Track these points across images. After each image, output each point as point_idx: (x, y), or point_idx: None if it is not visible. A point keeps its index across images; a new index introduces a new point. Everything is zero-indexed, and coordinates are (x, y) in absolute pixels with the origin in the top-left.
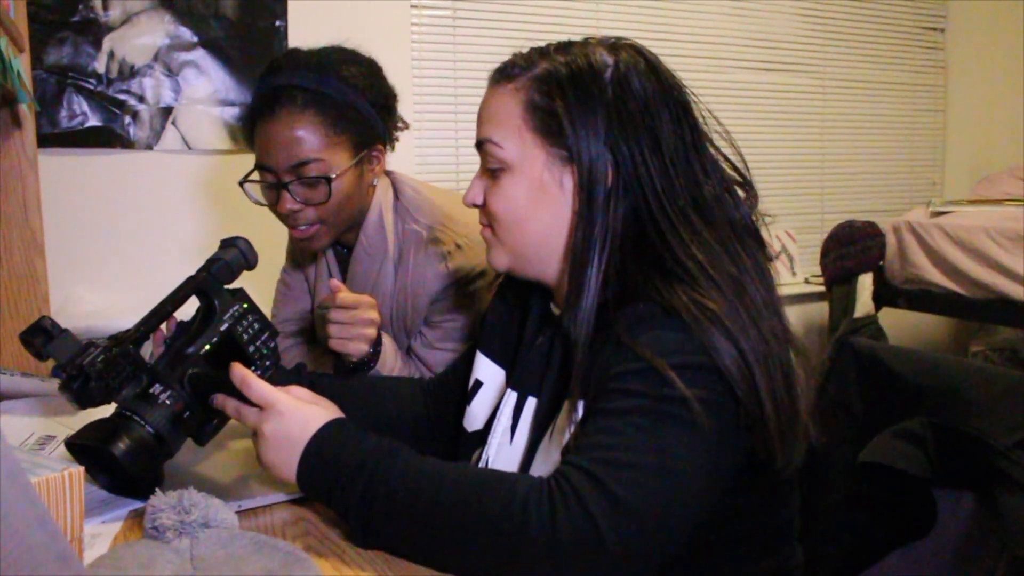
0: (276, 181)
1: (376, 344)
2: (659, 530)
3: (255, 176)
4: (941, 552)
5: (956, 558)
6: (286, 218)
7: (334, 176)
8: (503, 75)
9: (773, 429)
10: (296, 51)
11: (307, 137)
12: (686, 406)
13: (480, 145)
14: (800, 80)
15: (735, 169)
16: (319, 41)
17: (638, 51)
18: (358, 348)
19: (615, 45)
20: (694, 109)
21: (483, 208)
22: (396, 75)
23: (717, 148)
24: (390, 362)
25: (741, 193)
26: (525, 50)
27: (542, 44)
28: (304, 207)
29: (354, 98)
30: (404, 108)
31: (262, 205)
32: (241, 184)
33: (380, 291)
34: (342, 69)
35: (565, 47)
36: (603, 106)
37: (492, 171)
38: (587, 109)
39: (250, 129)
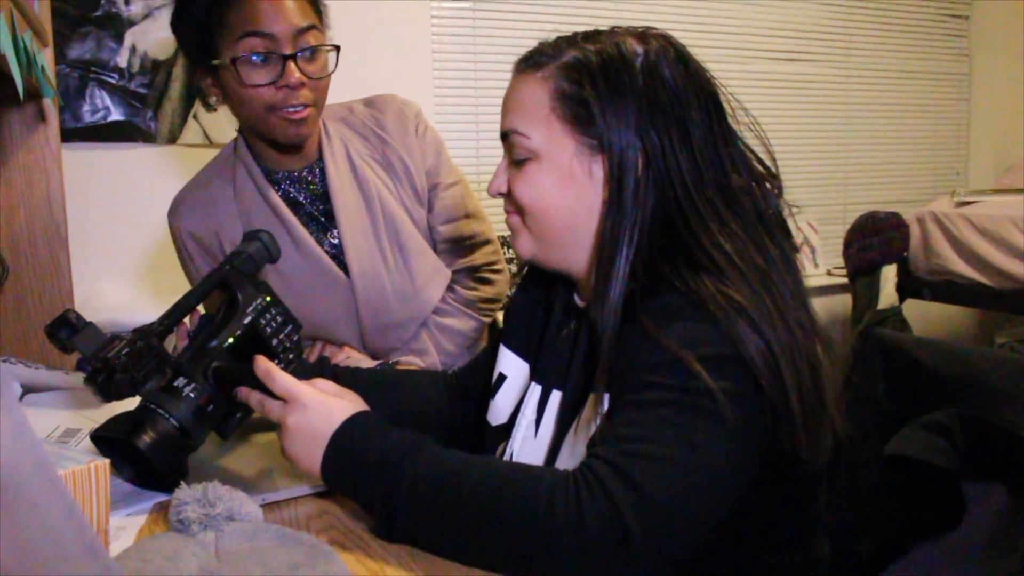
0: (275, 52)
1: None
2: (686, 523)
3: (242, 52)
4: (970, 545)
5: (986, 551)
6: (284, 98)
7: (336, 46)
8: (529, 63)
9: (799, 421)
10: None
11: (306, 6)
12: (712, 398)
13: (505, 136)
14: (823, 70)
15: (760, 161)
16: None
17: (668, 40)
18: None
19: (644, 34)
20: (722, 99)
21: (508, 197)
22: (416, 69)
23: (743, 140)
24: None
25: (767, 185)
26: (551, 38)
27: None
28: (306, 83)
29: None
30: (424, 101)
31: (254, 87)
32: (233, 62)
33: (383, 200)
34: None
35: (593, 36)
36: (634, 95)
37: (518, 161)
38: (618, 97)
39: (221, 3)
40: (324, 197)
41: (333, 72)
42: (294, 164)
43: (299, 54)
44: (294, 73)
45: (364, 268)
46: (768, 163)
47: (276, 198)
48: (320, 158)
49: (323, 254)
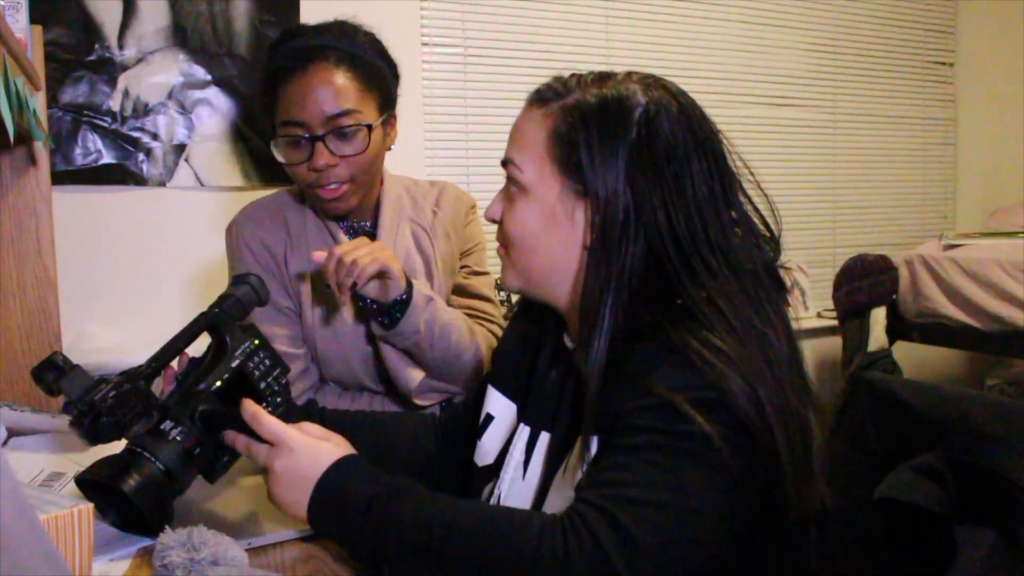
0: (308, 135)
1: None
2: (674, 568)
3: (280, 135)
4: None
5: None
6: (317, 177)
7: (373, 125)
8: (539, 98)
9: (789, 480)
10: (306, 25)
11: (343, 88)
12: (702, 442)
13: (505, 163)
14: (811, 115)
15: (764, 222)
16: None
17: (673, 94)
18: (370, 269)
19: (652, 84)
20: (728, 158)
21: (500, 227)
22: (407, 114)
23: (749, 198)
24: (426, 292)
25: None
26: (567, 74)
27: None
28: (339, 162)
29: (377, 60)
30: (415, 146)
31: (291, 165)
32: (268, 143)
33: (424, 257)
34: (362, 36)
35: (602, 79)
36: (625, 144)
37: (511, 193)
38: (608, 145)
39: (271, 92)
40: None
41: (366, 151)
42: (351, 217)
43: (328, 135)
44: (322, 155)
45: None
46: (771, 221)
47: (343, 236)
48: (376, 217)
49: None
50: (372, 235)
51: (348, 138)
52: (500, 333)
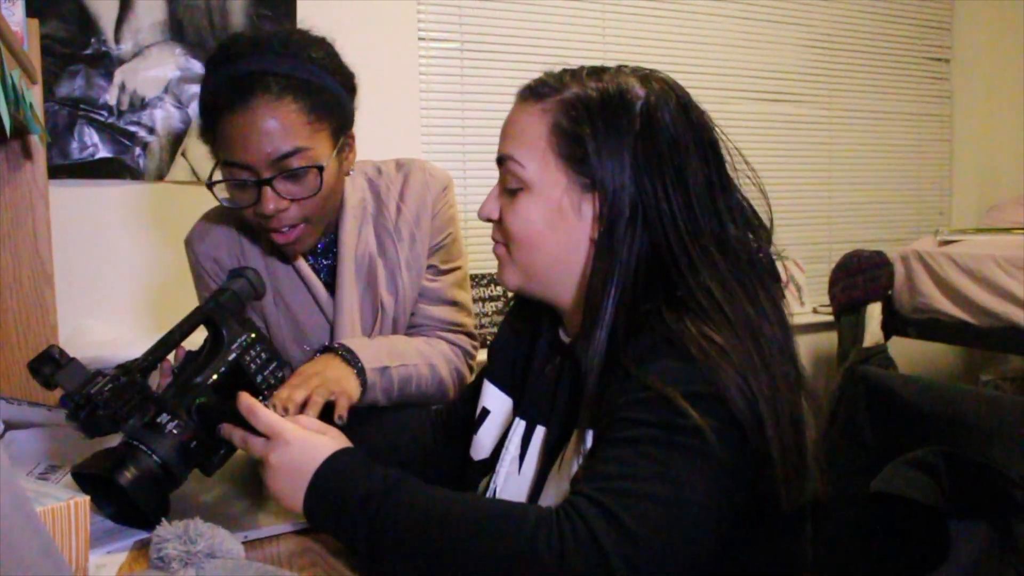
0: (254, 179)
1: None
2: (670, 561)
3: (220, 176)
4: None
5: None
6: (267, 220)
7: (324, 164)
8: (532, 93)
9: (779, 474)
10: (246, 35)
11: (289, 126)
12: (697, 435)
13: (501, 161)
14: (807, 110)
15: (754, 211)
16: None
17: (670, 86)
18: (341, 403)
19: (648, 77)
20: (722, 148)
21: (498, 225)
22: (404, 109)
23: (740, 190)
24: (384, 354)
25: (760, 234)
26: (556, 70)
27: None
28: (289, 206)
29: (328, 81)
30: (412, 141)
31: (237, 208)
32: (209, 187)
33: (387, 262)
34: (311, 51)
35: (597, 73)
36: (631, 137)
37: (510, 190)
38: (614, 139)
39: (211, 125)
40: (331, 270)
41: (319, 191)
42: None
43: (275, 178)
44: (270, 200)
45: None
46: (764, 213)
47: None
48: (336, 231)
49: (316, 309)
50: (333, 243)
51: (299, 179)
52: (470, 341)
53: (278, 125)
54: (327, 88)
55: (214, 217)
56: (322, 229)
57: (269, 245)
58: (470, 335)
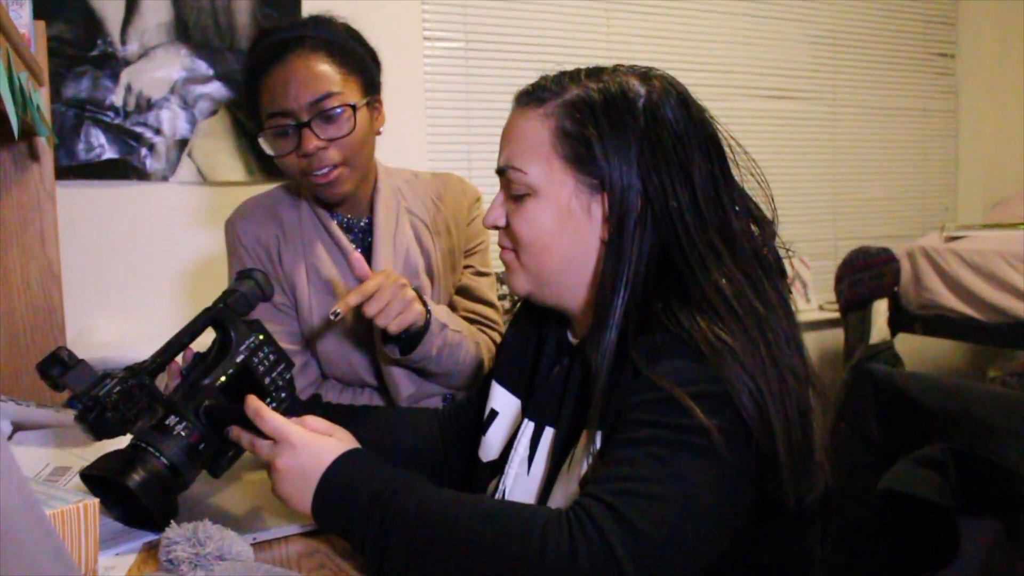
0: (294, 122)
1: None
2: (679, 561)
3: (268, 128)
4: None
5: None
6: (308, 163)
7: (357, 105)
8: (531, 98)
9: (786, 470)
10: (280, 21)
11: (322, 74)
12: (705, 435)
13: (502, 172)
14: (812, 107)
15: (757, 205)
16: None
17: (669, 83)
18: (406, 319)
19: (647, 75)
20: (722, 142)
21: (505, 231)
22: (410, 109)
23: (742, 183)
24: (444, 315)
25: (765, 227)
26: (552, 73)
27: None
28: (327, 145)
29: (356, 46)
30: (417, 141)
31: (281, 156)
32: (256, 136)
33: (423, 250)
34: (338, 24)
35: (596, 73)
36: (636, 135)
37: (516, 196)
38: (621, 137)
39: (253, 88)
40: (367, 251)
41: (353, 131)
42: (346, 211)
43: (313, 120)
44: (310, 140)
45: None
46: (766, 206)
47: (337, 229)
48: (371, 214)
49: None
50: (369, 231)
51: (334, 120)
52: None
53: (312, 74)
54: (355, 51)
55: (255, 201)
56: (358, 177)
57: (312, 195)
58: (502, 335)
